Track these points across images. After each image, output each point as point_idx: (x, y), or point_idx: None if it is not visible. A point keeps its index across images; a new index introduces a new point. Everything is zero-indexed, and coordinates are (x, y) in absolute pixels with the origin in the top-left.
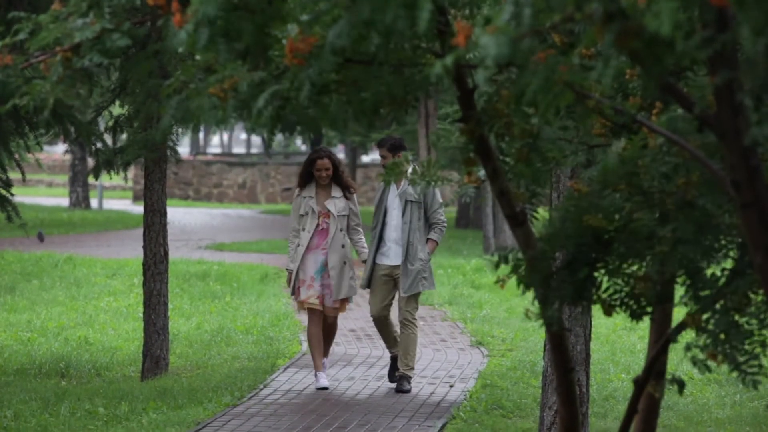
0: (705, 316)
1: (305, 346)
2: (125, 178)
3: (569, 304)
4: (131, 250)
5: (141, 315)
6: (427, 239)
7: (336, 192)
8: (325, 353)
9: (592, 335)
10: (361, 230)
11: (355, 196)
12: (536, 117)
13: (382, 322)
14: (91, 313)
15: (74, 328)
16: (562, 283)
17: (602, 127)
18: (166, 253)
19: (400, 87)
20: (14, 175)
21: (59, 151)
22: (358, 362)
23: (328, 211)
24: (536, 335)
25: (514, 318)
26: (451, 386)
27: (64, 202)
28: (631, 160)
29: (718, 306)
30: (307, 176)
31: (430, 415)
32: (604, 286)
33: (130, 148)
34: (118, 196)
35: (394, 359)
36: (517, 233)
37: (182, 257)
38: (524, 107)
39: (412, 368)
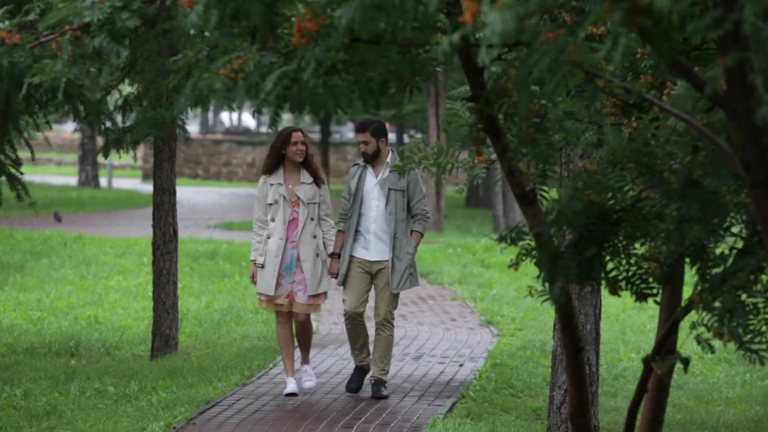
0: (711, 295)
1: (314, 325)
2: (134, 157)
3: (576, 283)
4: (140, 229)
5: (150, 294)
6: (411, 231)
7: (305, 177)
8: (305, 359)
9: (602, 315)
10: (330, 221)
11: (326, 186)
12: (543, 97)
13: (356, 321)
14: (100, 292)
15: (84, 307)
16: (569, 262)
17: (613, 106)
18: (175, 233)
19: (407, 67)
20: (23, 153)
21: (68, 129)
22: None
23: (298, 198)
24: (546, 314)
25: (524, 297)
26: (461, 365)
27: (74, 180)
28: (639, 139)
29: (725, 285)
30: (277, 159)
31: (439, 395)
32: (610, 266)
33: (139, 126)
34: (127, 174)
35: (359, 369)
36: (527, 212)
37: (191, 236)
38: (532, 86)
39: (387, 372)
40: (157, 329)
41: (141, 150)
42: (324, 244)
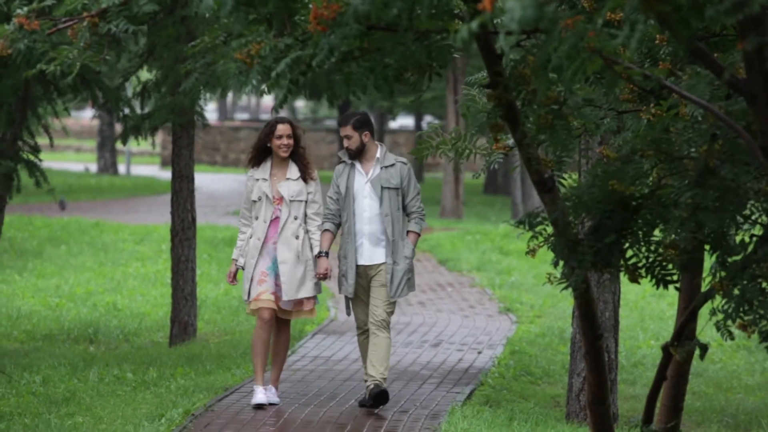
0: (731, 283)
1: (333, 312)
2: (153, 144)
3: (594, 270)
4: (159, 216)
5: (169, 281)
6: (408, 232)
7: (293, 172)
8: (275, 376)
9: (621, 302)
10: (318, 219)
11: (316, 182)
12: (562, 84)
13: (367, 336)
14: (119, 279)
15: (102, 293)
16: (586, 249)
17: (631, 93)
18: (193, 219)
19: (423, 54)
20: (42, 140)
21: (87, 116)
22: None
23: (281, 195)
24: (565, 302)
25: (543, 284)
26: (479, 353)
27: (92, 167)
28: (658, 126)
29: (746, 273)
30: (263, 151)
31: (457, 382)
32: (629, 254)
33: (158, 113)
34: (145, 161)
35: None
36: (545, 199)
37: (210, 223)
38: (550, 73)
39: (386, 377)
40: (175, 316)
41: (159, 137)
42: (311, 245)
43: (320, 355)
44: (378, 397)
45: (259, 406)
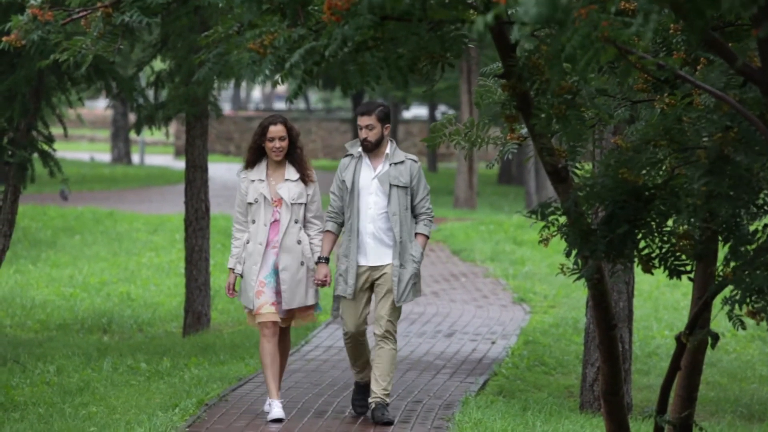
0: (744, 272)
1: None
2: (166, 134)
3: (608, 260)
4: (173, 205)
5: (183, 271)
6: (416, 234)
7: (291, 173)
8: (274, 390)
9: (635, 292)
10: (318, 223)
11: (315, 184)
12: (575, 73)
13: (358, 341)
14: (133, 269)
15: (116, 283)
16: (600, 239)
17: (645, 82)
18: (207, 209)
19: (437, 44)
20: (56, 130)
21: (101, 106)
22: None
23: (280, 197)
24: (579, 292)
25: (556, 274)
26: (493, 343)
27: (98, 157)
28: (671, 116)
29: (757, 262)
30: (258, 152)
31: (471, 372)
32: (642, 244)
33: (171, 103)
34: (159, 151)
35: (360, 386)
36: (559, 189)
37: (223, 213)
38: (563, 63)
39: (389, 393)
40: (189, 306)
41: (173, 126)
42: (311, 250)
43: (334, 345)
44: (382, 420)
45: (277, 420)
